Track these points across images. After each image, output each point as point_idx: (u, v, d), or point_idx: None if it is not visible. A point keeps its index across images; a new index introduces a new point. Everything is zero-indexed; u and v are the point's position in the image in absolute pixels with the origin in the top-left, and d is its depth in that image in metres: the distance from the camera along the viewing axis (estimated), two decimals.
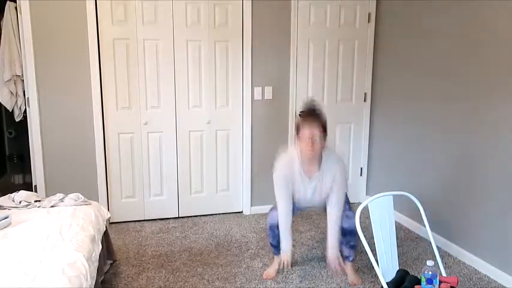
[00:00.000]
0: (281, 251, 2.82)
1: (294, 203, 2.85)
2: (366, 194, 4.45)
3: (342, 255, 2.85)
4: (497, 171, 2.90)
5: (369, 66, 4.23)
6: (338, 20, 4.08)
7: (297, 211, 3.00)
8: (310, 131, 2.59)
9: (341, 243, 2.86)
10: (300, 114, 2.73)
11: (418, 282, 2.01)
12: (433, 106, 3.47)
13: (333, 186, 2.76)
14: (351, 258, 2.96)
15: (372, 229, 2.16)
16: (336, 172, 2.74)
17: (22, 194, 2.96)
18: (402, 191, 2.33)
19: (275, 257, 3.03)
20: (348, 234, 2.84)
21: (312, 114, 2.68)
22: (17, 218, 2.57)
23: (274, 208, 2.90)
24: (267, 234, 3.03)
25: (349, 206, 2.92)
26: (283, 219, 2.79)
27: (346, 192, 2.87)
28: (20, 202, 2.87)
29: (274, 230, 2.88)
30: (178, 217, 4.05)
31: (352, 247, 2.94)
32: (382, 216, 2.22)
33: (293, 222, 3.01)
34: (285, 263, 2.77)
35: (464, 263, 3.16)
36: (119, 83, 3.70)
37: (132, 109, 3.77)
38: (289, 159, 2.78)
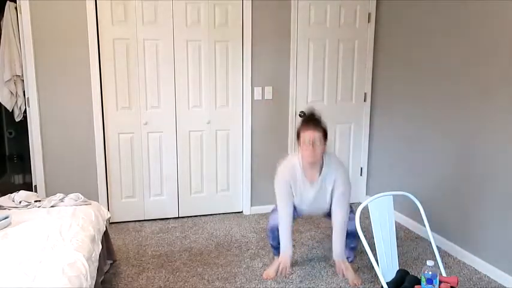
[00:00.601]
0: (280, 254, 2.83)
1: (294, 208, 2.88)
2: (366, 194, 4.45)
3: None
4: (497, 171, 2.90)
5: (369, 66, 4.23)
6: (338, 20, 4.08)
7: (298, 217, 3.01)
8: (310, 135, 2.67)
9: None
10: (300, 115, 2.77)
11: (418, 282, 2.01)
12: (433, 106, 3.47)
13: (335, 191, 2.79)
14: (350, 259, 3.00)
15: (372, 229, 2.16)
16: (337, 177, 2.79)
17: (22, 194, 2.96)
18: (402, 191, 2.33)
19: (275, 257, 3.05)
20: (350, 236, 2.89)
21: (312, 119, 2.76)
22: (17, 218, 2.57)
23: (275, 210, 2.92)
24: (267, 235, 3.04)
25: (351, 208, 2.94)
26: (284, 223, 2.81)
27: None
28: (20, 202, 2.87)
29: (275, 231, 2.90)
30: (178, 217, 4.05)
31: (353, 248, 3.01)
32: (382, 216, 2.22)
33: (293, 225, 3.02)
34: (282, 266, 2.77)
35: (464, 263, 3.16)
36: (119, 83, 3.70)
37: (132, 109, 3.77)
38: (291, 165, 2.82)
